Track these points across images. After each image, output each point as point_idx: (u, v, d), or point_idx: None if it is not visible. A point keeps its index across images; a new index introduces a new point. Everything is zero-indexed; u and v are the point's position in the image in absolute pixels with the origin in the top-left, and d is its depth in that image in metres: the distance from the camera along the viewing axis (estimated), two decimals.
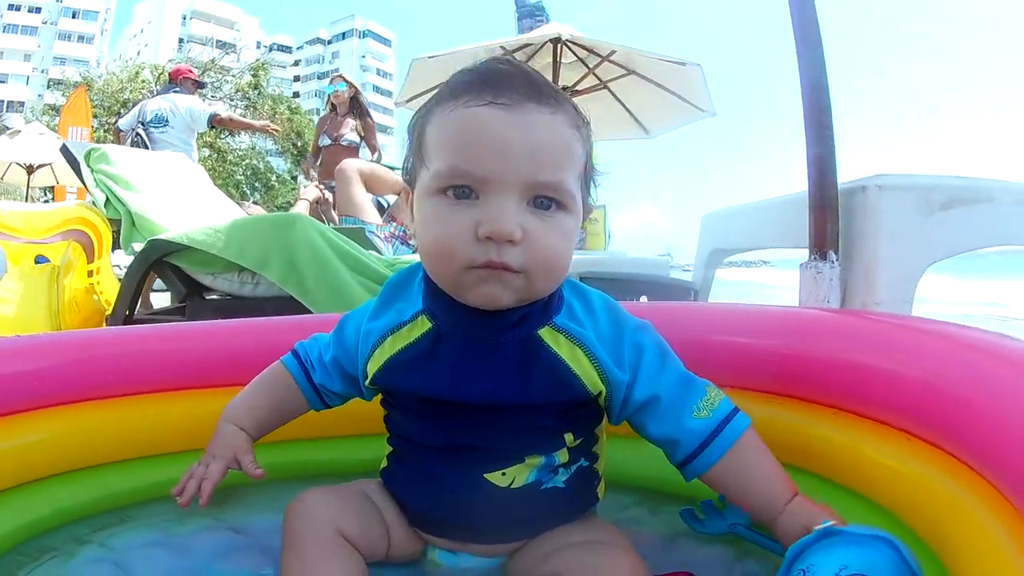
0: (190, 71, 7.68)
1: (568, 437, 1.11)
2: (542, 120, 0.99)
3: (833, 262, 2.08)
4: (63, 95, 31.63)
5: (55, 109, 30.36)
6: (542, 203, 0.99)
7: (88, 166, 3.90)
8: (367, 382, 1.17)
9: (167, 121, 6.67)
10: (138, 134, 6.58)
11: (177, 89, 7.10)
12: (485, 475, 1.08)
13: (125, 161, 3.99)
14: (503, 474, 1.08)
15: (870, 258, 2.06)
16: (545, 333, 1.08)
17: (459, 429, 1.10)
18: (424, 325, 1.11)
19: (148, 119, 6.66)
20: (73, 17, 75.02)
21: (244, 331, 1.64)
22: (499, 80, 1.00)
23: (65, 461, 1.39)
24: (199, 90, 7.78)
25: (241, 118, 8.83)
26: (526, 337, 1.08)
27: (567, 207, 1.01)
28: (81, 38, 75.01)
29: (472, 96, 0.99)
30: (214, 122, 7.07)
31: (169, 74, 7.69)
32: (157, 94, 7.27)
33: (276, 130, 8.70)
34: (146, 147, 6.63)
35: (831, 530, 0.95)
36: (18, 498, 1.30)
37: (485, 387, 1.07)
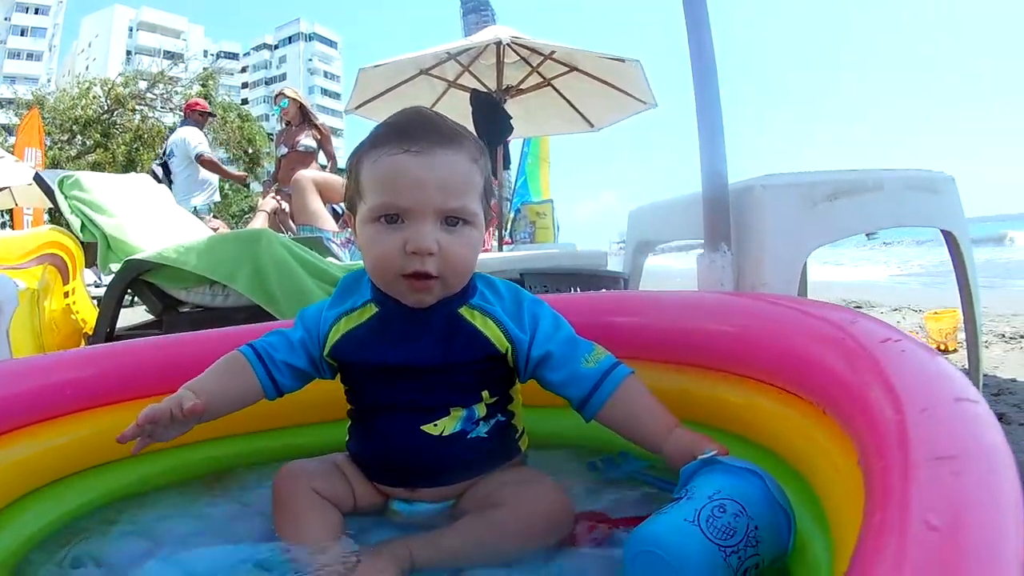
0: (197, 103, 8.38)
1: (485, 394, 1.43)
2: (447, 160, 1.32)
3: (725, 252, 2.34)
4: (16, 115, 31.05)
5: (8, 129, 29.82)
6: (452, 221, 1.32)
7: (62, 193, 4.08)
8: (326, 353, 1.47)
9: (174, 152, 7.61)
10: (162, 164, 7.37)
11: (187, 122, 7.91)
12: (422, 427, 1.39)
13: (97, 186, 4.17)
14: (435, 425, 1.40)
15: (758, 248, 2.35)
16: (464, 311, 1.42)
17: (400, 388, 1.41)
18: (371, 310, 1.46)
19: (167, 151, 8.05)
20: (22, 35, 73.63)
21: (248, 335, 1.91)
22: (411, 131, 1.33)
23: (89, 458, 1.66)
24: (208, 119, 8.56)
25: (221, 164, 9.43)
26: (448, 313, 1.41)
27: (471, 222, 1.35)
28: (30, 56, 73.64)
29: (392, 146, 1.32)
30: (199, 161, 7.98)
31: (183, 109, 8.61)
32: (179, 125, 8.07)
33: (244, 177, 9.43)
34: (168, 177, 7.27)
35: (713, 459, 1.16)
36: (50, 495, 1.57)
37: (419, 353, 1.40)
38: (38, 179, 4.30)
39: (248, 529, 1.45)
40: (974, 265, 2.96)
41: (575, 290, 3.39)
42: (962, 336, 4.87)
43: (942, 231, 2.88)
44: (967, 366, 3.15)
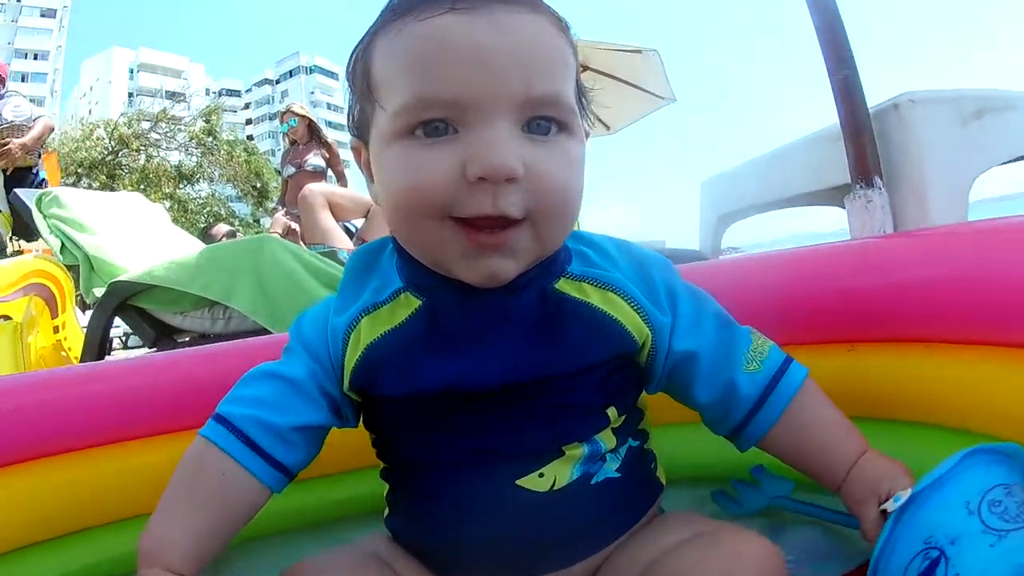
0: None
1: (611, 413, 0.89)
2: (522, 20, 0.77)
3: (880, 188, 1.96)
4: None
5: None
6: (540, 126, 0.77)
7: (40, 212, 3.77)
8: (347, 384, 0.91)
9: None
10: None
11: None
12: (518, 482, 0.84)
13: (78, 203, 3.87)
14: (540, 475, 0.84)
15: (916, 177, 1.97)
16: (565, 285, 0.88)
17: (474, 428, 0.86)
18: (411, 303, 0.88)
19: None
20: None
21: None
22: None
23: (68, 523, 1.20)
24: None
25: None
26: (542, 293, 0.87)
27: (570, 128, 0.80)
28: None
29: (425, 6, 0.77)
30: None
31: None
32: None
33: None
34: None
35: (905, 504, 0.78)
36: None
37: (503, 364, 0.84)
38: (15, 198, 3.98)
39: None
40: None
41: None
42: None
43: None
44: None
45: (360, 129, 0.88)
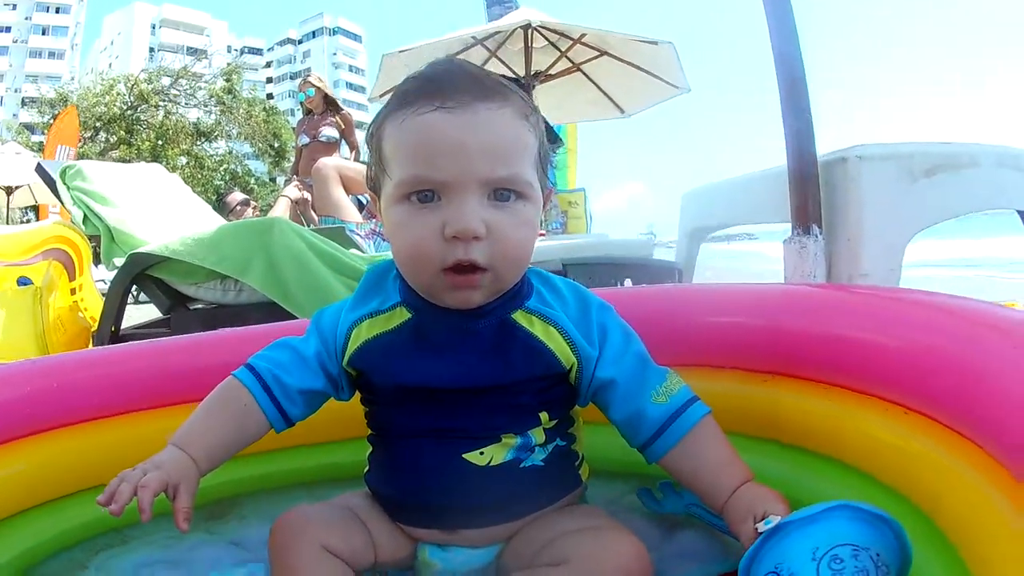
0: None
1: (543, 416, 1.15)
2: (491, 117, 1.02)
3: (817, 236, 2.07)
4: (39, 112, 31.44)
5: (30, 127, 30.17)
6: (502, 195, 1.03)
7: (64, 184, 3.87)
8: (345, 363, 1.18)
9: None
10: None
11: None
12: (463, 455, 1.11)
13: (101, 176, 3.97)
14: (481, 453, 1.11)
15: (854, 230, 2.07)
16: (519, 316, 1.13)
17: (437, 413, 1.13)
18: (403, 315, 1.16)
19: None
20: (43, 34, 74.42)
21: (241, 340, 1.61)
22: (444, 83, 1.04)
23: (60, 487, 1.37)
24: None
25: None
26: (501, 321, 1.12)
27: (526, 196, 1.06)
28: (52, 54, 74.43)
29: (421, 103, 1.03)
30: None
31: None
32: None
33: None
34: None
35: (777, 526, 0.93)
36: (17, 526, 1.30)
37: (463, 371, 1.11)
38: (39, 170, 4.11)
39: None
40: None
41: (621, 283, 3.09)
42: None
43: (1018, 211, 2.61)
44: None
45: (375, 187, 1.15)
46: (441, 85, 1.04)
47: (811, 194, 2.07)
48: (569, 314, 1.16)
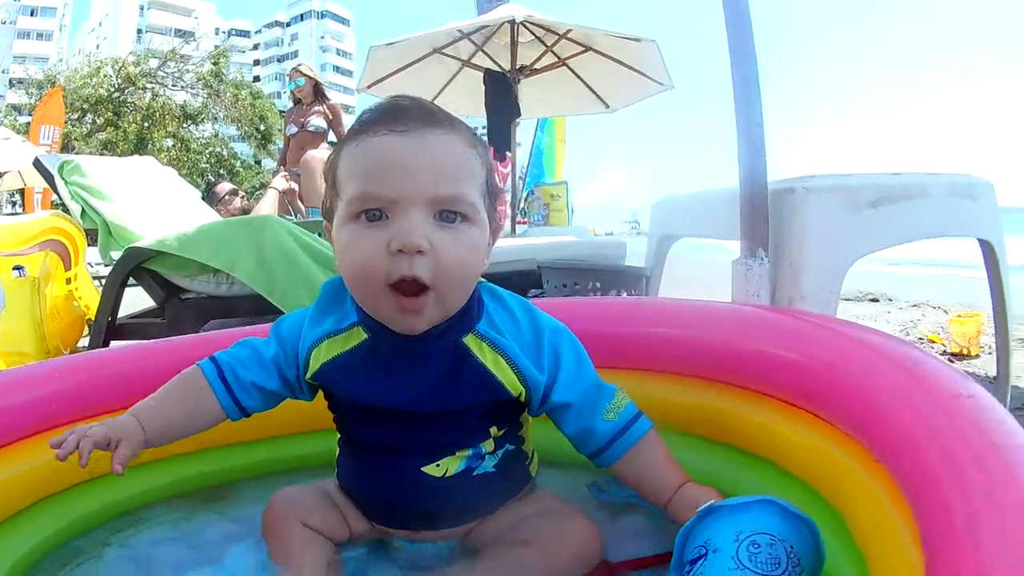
0: None
1: (493, 430, 1.26)
2: (438, 141, 1.11)
3: (762, 259, 2.20)
4: (27, 94, 31.22)
5: (18, 108, 29.95)
6: (447, 216, 1.10)
7: (62, 179, 3.98)
8: (308, 377, 1.28)
9: None
10: None
11: None
12: (422, 468, 1.22)
13: (97, 171, 4.08)
14: (437, 466, 1.22)
15: (796, 256, 2.19)
16: (470, 341, 1.21)
17: (395, 430, 1.23)
18: (359, 336, 1.24)
19: None
20: (32, 15, 73.58)
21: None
22: (397, 112, 1.12)
23: (79, 474, 1.50)
24: None
25: None
26: (453, 346, 1.21)
27: (471, 219, 1.12)
28: (40, 35, 73.67)
29: (376, 128, 1.11)
30: None
31: None
32: None
33: None
34: None
35: (711, 507, 1.07)
36: (46, 509, 1.46)
37: (417, 396, 1.20)
38: (38, 165, 4.19)
39: (243, 555, 1.31)
40: (1008, 274, 2.83)
41: (595, 285, 3.24)
42: (984, 340, 4.70)
43: (979, 240, 2.74)
44: (990, 374, 3.00)
45: (328, 215, 1.23)
46: (395, 113, 1.12)
47: (759, 222, 2.19)
48: (521, 340, 1.24)
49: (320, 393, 1.34)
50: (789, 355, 1.33)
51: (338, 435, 1.36)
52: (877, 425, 1.05)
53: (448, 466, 1.23)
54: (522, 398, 1.24)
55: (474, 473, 1.24)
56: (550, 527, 1.20)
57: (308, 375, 1.28)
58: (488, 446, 1.26)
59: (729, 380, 1.46)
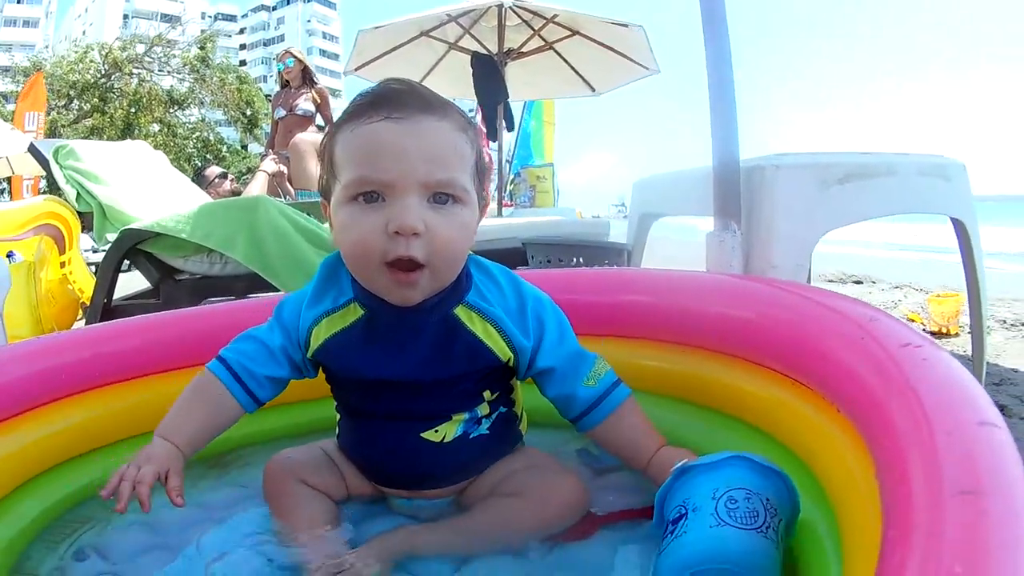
0: None
1: (486, 394, 1.34)
2: (432, 127, 1.17)
3: (735, 232, 2.29)
4: (13, 82, 31.01)
5: (6, 96, 29.76)
6: (440, 198, 1.17)
7: (57, 163, 4.03)
8: (309, 355, 1.34)
9: None
10: None
11: None
12: (422, 434, 1.30)
13: (92, 155, 4.12)
14: (435, 431, 1.30)
15: (767, 230, 2.29)
16: (460, 312, 1.29)
17: (393, 399, 1.30)
18: (356, 312, 1.30)
19: None
20: (18, 2, 72.78)
21: (239, 310, 1.87)
22: (391, 98, 1.18)
23: (88, 442, 1.61)
24: None
25: None
26: (444, 317, 1.28)
27: (462, 200, 1.20)
28: (27, 23, 72.95)
29: (370, 114, 1.17)
30: None
31: None
32: None
33: None
34: None
35: (685, 467, 1.12)
36: (55, 477, 1.53)
37: (413, 366, 1.27)
38: (32, 149, 4.24)
39: (248, 516, 1.38)
40: (981, 254, 2.91)
41: (578, 260, 3.33)
42: (964, 320, 4.77)
43: (951, 218, 2.83)
44: (968, 352, 3.09)
45: (325, 193, 1.29)
46: (389, 99, 1.17)
47: (731, 197, 2.29)
48: (507, 308, 1.32)
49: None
50: (753, 317, 1.42)
51: (336, 403, 1.44)
52: (835, 376, 1.13)
53: (446, 431, 1.31)
54: (511, 363, 1.33)
55: (471, 436, 1.33)
56: (539, 480, 1.28)
57: (309, 353, 1.34)
58: (483, 409, 1.34)
59: (702, 344, 1.54)
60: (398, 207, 1.14)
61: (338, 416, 1.44)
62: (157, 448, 1.23)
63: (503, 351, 1.30)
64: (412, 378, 1.28)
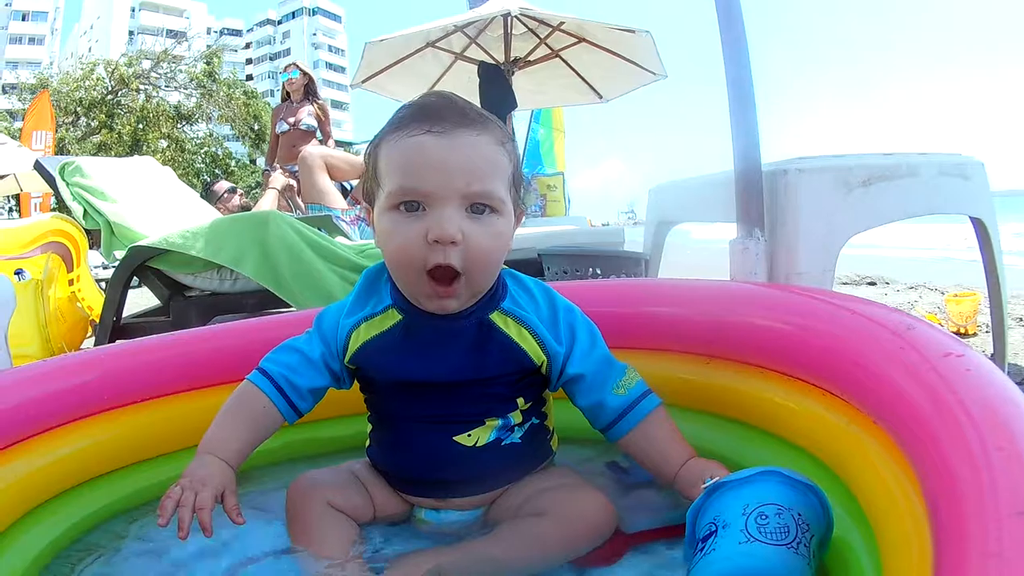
0: None
1: (520, 401, 1.36)
2: (471, 141, 1.22)
3: (759, 239, 2.25)
4: (19, 99, 31.14)
5: (12, 114, 29.87)
6: (478, 208, 1.22)
7: (63, 180, 4.01)
8: (347, 361, 1.37)
9: None
10: None
11: None
12: (454, 438, 1.32)
13: (98, 172, 4.10)
14: (468, 436, 1.32)
15: (791, 235, 2.26)
16: (496, 317, 1.33)
17: (429, 402, 1.33)
18: (394, 317, 1.35)
19: None
20: (23, 20, 73.33)
21: (250, 330, 1.83)
22: (433, 112, 1.23)
23: (98, 466, 1.57)
24: None
25: None
26: (480, 321, 1.32)
27: (499, 210, 1.25)
28: (32, 40, 73.46)
29: (413, 127, 1.22)
30: None
31: None
32: None
33: None
34: None
35: (717, 484, 1.12)
36: (61, 504, 1.49)
37: (449, 368, 1.31)
38: (39, 167, 4.22)
39: (264, 542, 1.35)
40: (1001, 252, 2.88)
41: (595, 271, 3.27)
42: (982, 319, 4.72)
43: (971, 218, 2.81)
44: (988, 352, 3.03)
45: (369, 198, 1.34)
46: (431, 113, 1.22)
47: (754, 202, 2.24)
48: (541, 315, 1.36)
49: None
50: (785, 328, 1.38)
51: (368, 414, 1.45)
52: (872, 388, 1.09)
53: (479, 436, 1.33)
54: (543, 368, 1.35)
55: (503, 443, 1.35)
56: (567, 500, 1.28)
57: (347, 358, 1.37)
58: (516, 417, 1.36)
59: (730, 356, 1.51)
60: (437, 217, 1.19)
61: (370, 427, 1.45)
62: (209, 467, 1.24)
63: (536, 354, 1.33)
64: (447, 379, 1.31)
